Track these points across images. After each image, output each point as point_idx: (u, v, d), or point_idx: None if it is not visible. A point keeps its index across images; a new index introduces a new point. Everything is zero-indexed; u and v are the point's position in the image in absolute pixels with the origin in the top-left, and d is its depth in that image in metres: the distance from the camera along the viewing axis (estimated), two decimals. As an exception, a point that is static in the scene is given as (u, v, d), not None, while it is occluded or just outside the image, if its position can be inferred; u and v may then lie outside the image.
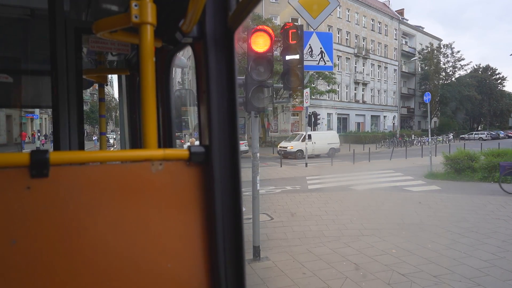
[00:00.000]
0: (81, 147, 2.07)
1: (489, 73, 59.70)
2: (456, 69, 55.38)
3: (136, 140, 2.61)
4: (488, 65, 60.82)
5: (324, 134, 27.21)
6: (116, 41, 2.05)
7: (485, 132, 48.28)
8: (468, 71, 57.64)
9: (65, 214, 0.85)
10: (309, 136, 23.27)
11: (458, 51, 58.80)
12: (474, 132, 50.07)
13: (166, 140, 1.63)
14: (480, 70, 59.64)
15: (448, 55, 54.28)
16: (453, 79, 55.40)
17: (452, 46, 54.23)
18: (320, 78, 32.46)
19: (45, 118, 36.38)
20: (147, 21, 0.95)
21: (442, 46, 55.12)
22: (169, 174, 0.96)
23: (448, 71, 55.10)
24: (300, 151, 23.69)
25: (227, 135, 1.04)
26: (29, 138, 28.21)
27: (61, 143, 1.98)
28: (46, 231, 0.84)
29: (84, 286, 0.87)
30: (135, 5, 0.93)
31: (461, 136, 46.83)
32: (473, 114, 57.92)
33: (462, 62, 58.80)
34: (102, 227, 0.89)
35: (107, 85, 2.58)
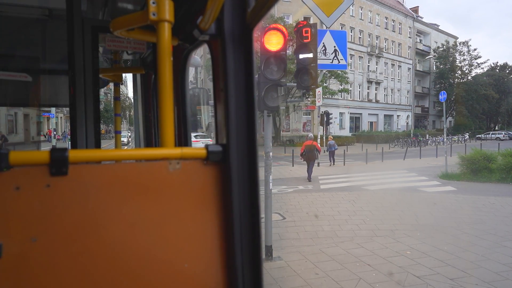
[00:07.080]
0: (97, 145, 2.10)
1: (507, 71, 58.12)
2: (473, 68, 54.14)
3: (151, 138, 2.62)
4: (506, 63, 59.21)
5: None
6: (132, 40, 2.07)
7: (503, 132, 46.92)
8: (485, 69, 56.30)
9: (84, 212, 0.85)
10: None
11: (475, 49, 57.23)
12: (491, 132, 48.77)
13: (182, 139, 1.62)
14: (498, 68, 58.11)
15: (464, 53, 53.09)
16: (469, 77, 54.16)
17: (469, 44, 53.11)
18: (333, 77, 32.17)
19: (61, 117, 37.08)
20: (165, 19, 0.94)
21: (458, 44, 53.96)
22: (187, 173, 0.95)
23: (464, 69, 53.85)
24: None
25: (245, 134, 1.02)
26: (45, 136, 28.83)
27: (78, 141, 2.00)
28: (65, 229, 0.84)
29: (101, 284, 0.87)
30: (153, 3, 0.93)
31: (477, 136, 45.67)
32: (490, 113, 56.51)
33: (478, 60, 57.51)
34: (120, 226, 0.89)
35: (122, 84, 2.61)
